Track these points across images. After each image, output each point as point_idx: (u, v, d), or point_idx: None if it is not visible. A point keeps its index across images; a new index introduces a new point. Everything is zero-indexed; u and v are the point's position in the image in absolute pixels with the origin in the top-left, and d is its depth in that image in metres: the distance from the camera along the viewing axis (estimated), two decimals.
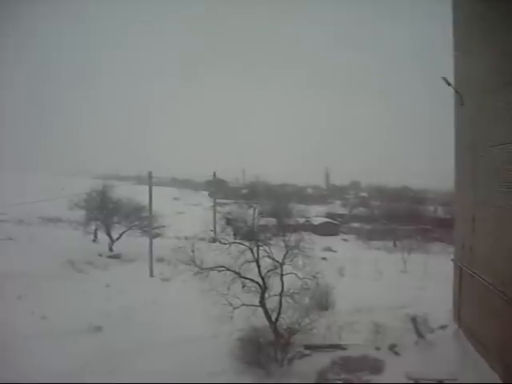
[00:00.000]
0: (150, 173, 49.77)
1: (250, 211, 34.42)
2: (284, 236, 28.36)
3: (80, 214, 57.16)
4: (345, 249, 70.53)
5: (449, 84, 26.63)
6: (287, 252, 26.75)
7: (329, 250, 63.98)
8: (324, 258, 45.02)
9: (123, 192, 59.58)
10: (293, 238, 28.10)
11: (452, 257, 29.96)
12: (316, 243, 32.20)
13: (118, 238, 55.54)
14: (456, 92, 26.97)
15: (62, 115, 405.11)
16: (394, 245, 77.58)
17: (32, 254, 46.38)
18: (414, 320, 27.90)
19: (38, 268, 42.13)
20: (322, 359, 24.94)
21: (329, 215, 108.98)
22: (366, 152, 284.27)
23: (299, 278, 26.34)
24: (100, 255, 51.15)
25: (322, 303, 31.95)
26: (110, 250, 53.81)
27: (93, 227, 57.09)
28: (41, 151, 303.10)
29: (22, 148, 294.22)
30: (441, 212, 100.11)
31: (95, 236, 57.82)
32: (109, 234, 55.21)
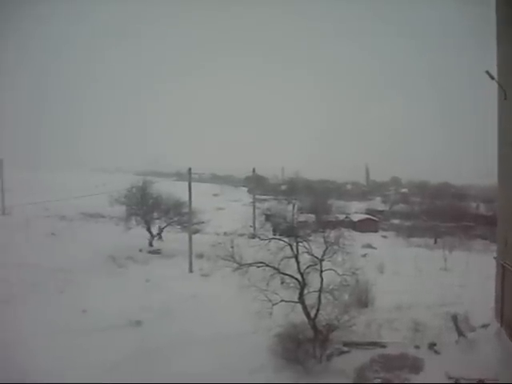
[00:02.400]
0: (190, 169, 49.95)
1: (290, 207, 34.57)
2: (323, 232, 28.30)
3: (121, 210, 57.73)
4: (385, 246, 69.85)
5: (492, 78, 26.11)
6: (327, 248, 26.68)
7: (368, 246, 63.34)
8: (364, 255, 44.69)
9: (163, 188, 60.03)
10: (332, 234, 28.03)
11: (494, 254, 29.43)
12: (355, 240, 32.05)
13: (157, 234, 56.01)
14: (499, 86, 26.46)
15: (104, 113, 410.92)
16: (435, 242, 76.64)
17: (74, 250, 47.18)
18: (454, 318, 27.50)
19: (79, 263, 42.81)
20: (361, 357, 24.81)
21: (368, 211, 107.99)
22: (407, 148, 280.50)
23: (338, 274, 26.23)
24: (140, 250, 51.63)
25: (362, 300, 31.73)
26: (150, 245, 54.24)
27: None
28: (83, 149, 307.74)
29: (64, 146, 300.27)
30: (483, 209, 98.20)
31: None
32: (149, 230, 55.65)
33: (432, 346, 25.69)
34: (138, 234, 54.69)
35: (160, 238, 58.31)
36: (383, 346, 26.25)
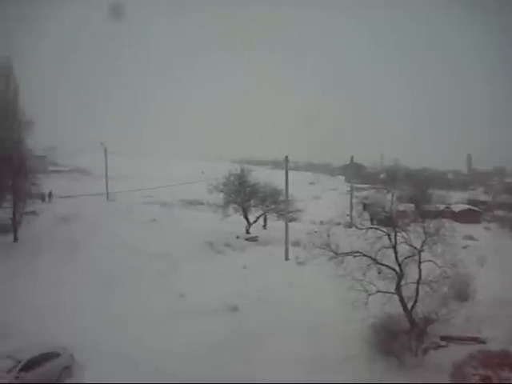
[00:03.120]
0: (287, 157, 49.95)
1: (388, 196, 33.86)
2: (423, 222, 27.64)
3: (219, 197, 58.52)
4: (487, 238, 67.22)
5: None
6: (426, 239, 26.08)
7: (470, 238, 61.22)
8: (464, 247, 43.25)
9: (260, 176, 60.39)
10: (432, 224, 27.28)
11: None
12: (456, 231, 31.06)
13: (254, 221, 56.43)
14: None
15: (204, 105, 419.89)
16: None
17: (174, 235, 48.39)
18: None
19: (178, 248, 43.88)
20: (459, 352, 24.03)
21: (470, 202, 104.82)
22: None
23: (438, 266, 25.56)
24: (237, 237, 52.24)
25: (462, 293, 30.80)
26: (247, 232, 54.77)
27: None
28: (182, 138, 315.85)
29: (166, 136, 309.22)
30: None
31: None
32: (246, 217, 56.17)
33: None
34: (236, 221, 55.33)
35: (264, 226, 59.05)
36: (483, 341, 25.49)
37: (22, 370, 21.52)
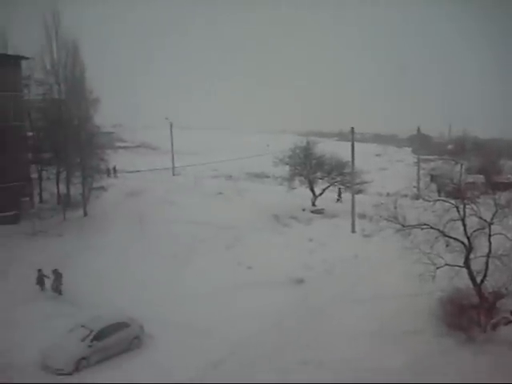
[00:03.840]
0: (352, 129, 49.29)
1: (457, 168, 33.05)
2: (493, 194, 26.89)
3: (285, 170, 58.40)
4: None
5: None
6: (497, 211, 25.28)
7: None
8: None
9: (326, 148, 59.81)
10: (503, 196, 26.50)
11: None
12: None
13: (320, 194, 56.08)
14: None
15: (269, 79, 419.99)
16: None
17: (240, 208, 48.70)
18: None
19: (245, 221, 44.15)
20: None
21: None
22: None
23: (509, 239, 24.77)
24: (303, 210, 52.12)
25: None
26: (313, 205, 54.54)
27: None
28: (247, 111, 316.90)
29: (232, 111, 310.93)
30: None
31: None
32: (312, 190, 55.88)
33: None
34: (302, 194, 55.15)
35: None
36: None
37: (94, 338, 22.69)
